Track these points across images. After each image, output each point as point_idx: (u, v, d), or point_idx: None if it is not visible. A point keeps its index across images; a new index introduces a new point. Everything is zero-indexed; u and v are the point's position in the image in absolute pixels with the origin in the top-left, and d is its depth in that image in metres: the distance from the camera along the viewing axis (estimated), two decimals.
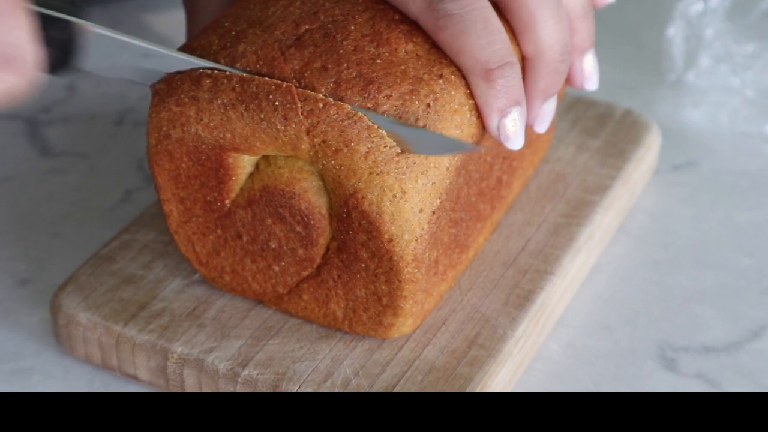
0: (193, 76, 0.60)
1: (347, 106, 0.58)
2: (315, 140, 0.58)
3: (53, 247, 0.74)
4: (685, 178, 0.80)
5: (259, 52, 0.59)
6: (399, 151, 0.58)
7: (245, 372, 0.62)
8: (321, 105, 0.58)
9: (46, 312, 0.69)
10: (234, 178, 0.62)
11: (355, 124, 0.58)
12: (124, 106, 0.86)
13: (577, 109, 0.79)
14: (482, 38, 0.59)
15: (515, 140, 0.60)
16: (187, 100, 0.60)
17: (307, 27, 0.60)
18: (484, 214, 0.67)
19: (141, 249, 0.68)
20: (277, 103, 0.58)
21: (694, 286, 0.72)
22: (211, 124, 0.60)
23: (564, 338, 0.68)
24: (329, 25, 0.60)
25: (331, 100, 0.58)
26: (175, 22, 0.95)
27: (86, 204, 0.77)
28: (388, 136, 0.58)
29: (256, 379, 0.61)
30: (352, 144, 0.58)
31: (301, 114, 0.58)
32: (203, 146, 0.61)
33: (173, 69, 0.62)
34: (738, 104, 0.84)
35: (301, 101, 0.58)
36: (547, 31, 0.60)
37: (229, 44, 0.60)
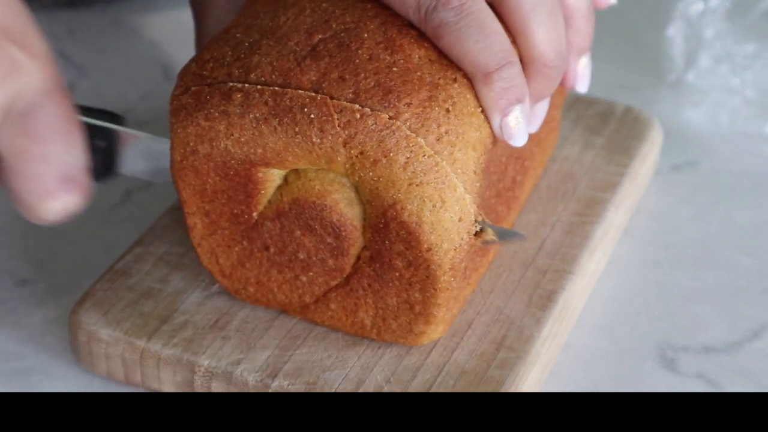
0: (223, 90, 0.59)
1: (385, 116, 0.57)
2: (352, 152, 0.58)
3: (53, 247, 0.74)
4: (685, 178, 0.80)
5: (274, 63, 0.59)
6: (438, 160, 0.58)
7: (275, 383, 0.62)
8: (358, 116, 0.57)
9: (46, 312, 0.69)
10: (262, 191, 0.61)
11: (393, 133, 0.57)
12: (124, 106, 0.86)
13: (578, 107, 0.79)
14: (479, 43, 0.59)
15: (518, 137, 0.60)
16: (217, 114, 0.59)
17: (320, 36, 0.60)
18: (501, 215, 0.67)
19: (156, 262, 0.68)
20: (312, 116, 0.58)
21: (694, 286, 0.72)
22: (242, 139, 0.59)
23: (564, 338, 0.68)
24: (342, 34, 0.60)
25: (368, 110, 0.57)
26: (175, 22, 0.95)
27: (86, 204, 0.77)
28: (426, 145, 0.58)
29: (286, 390, 0.61)
30: (391, 154, 0.57)
31: (338, 126, 0.57)
32: (232, 161, 0.60)
33: None
34: (738, 104, 0.84)
35: (337, 113, 0.58)
36: (539, 37, 0.60)
37: (242, 55, 0.60)
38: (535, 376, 0.63)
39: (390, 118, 0.58)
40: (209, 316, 0.65)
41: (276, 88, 0.58)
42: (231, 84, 0.59)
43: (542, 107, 0.63)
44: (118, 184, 0.79)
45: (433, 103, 0.58)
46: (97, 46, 0.93)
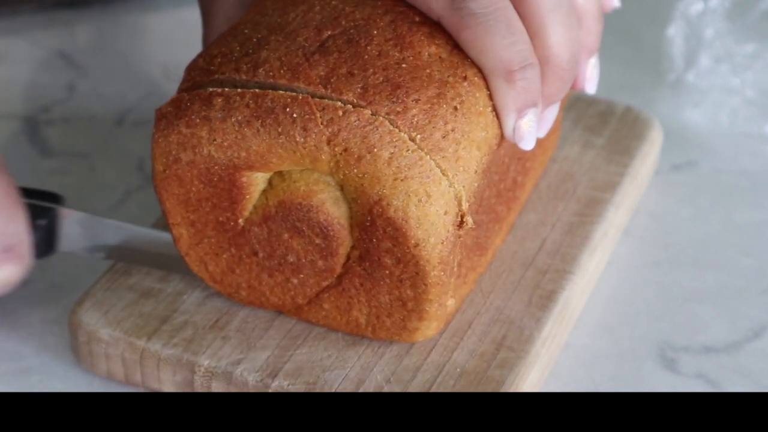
0: (203, 96, 0.59)
1: (367, 111, 0.57)
2: (336, 149, 0.57)
3: None
4: (685, 178, 0.80)
5: (282, 58, 0.59)
6: (422, 154, 0.58)
7: (275, 383, 0.61)
8: (341, 113, 0.57)
9: (46, 312, 0.69)
10: (248, 196, 0.61)
11: (377, 129, 0.57)
12: (124, 106, 0.86)
13: (578, 107, 0.79)
14: (506, 38, 0.59)
15: (528, 141, 0.60)
16: (198, 120, 0.59)
17: (329, 33, 0.60)
18: (501, 215, 0.67)
19: None
20: (295, 115, 0.58)
21: (694, 286, 0.72)
22: (225, 144, 0.59)
23: (564, 338, 0.68)
24: (352, 31, 0.60)
25: (350, 106, 0.57)
26: (175, 22, 0.95)
27: (86, 204, 0.77)
28: (410, 140, 0.58)
29: (286, 390, 0.61)
30: (375, 150, 0.57)
31: (321, 124, 0.57)
32: (216, 167, 0.60)
33: (153, 246, 0.66)
34: (738, 104, 0.84)
35: (319, 111, 0.57)
36: (556, 38, 0.60)
37: (251, 51, 0.60)
38: (535, 376, 0.63)
39: (372, 113, 0.58)
40: (209, 316, 0.65)
41: (256, 90, 0.58)
42: (211, 89, 0.59)
43: (552, 111, 0.63)
44: (117, 184, 0.79)
45: (441, 101, 0.58)
46: (97, 46, 0.93)
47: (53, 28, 0.94)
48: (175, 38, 0.93)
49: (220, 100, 0.59)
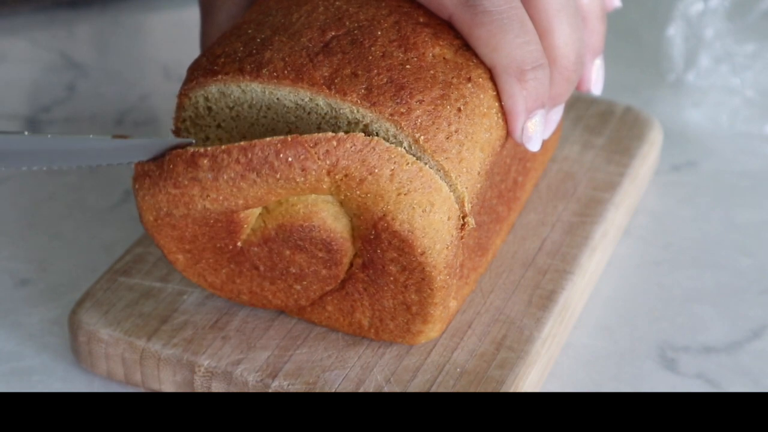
0: (185, 158, 0.57)
1: (360, 135, 0.57)
2: (337, 177, 0.57)
3: (53, 247, 0.74)
4: (685, 178, 0.80)
5: (286, 59, 0.59)
6: (421, 165, 0.57)
7: (275, 383, 0.61)
8: (335, 143, 0.56)
9: (47, 312, 0.69)
10: (245, 226, 0.61)
11: (374, 149, 0.57)
12: (124, 106, 0.86)
13: (578, 107, 0.79)
14: (519, 37, 0.59)
15: (536, 142, 0.60)
16: (186, 182, 0.57)
17: (333, 33, 0.60)
18: (502, 215, 0.67)
19: (156, 262, 0.68)
20: (290, 159, 0.56)
21: (694, 286, 0.72)
22: (220, 198, 0.57)
23: (564, 338, 0.68)
24: (356, 31, 0.60)
25: (343, 133, 0.57)
26: (175, 22, 0.95)
27: (86, 204, 0.77)
28: (407, 153, 0.58)
29: (286, 390, 0.61)
30: (376, 170, 0.57)
31: (318, 159, 0.56)
32: (212, 214, 0.59)
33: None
34: (738, 104, 0.84)
35: (312, 147, 0.56)
36: (563, 39, 0.60)
37: (254, 51, 0.59)
38: (535, 376, 0.63)
39: (366, 134, 0.57)
40: (209, 316, 0.65)
41: (242, 143, 0.56)
42: (192, 149, 0.57)
43: (557, 113, 0.63)
44: (118, 184, 0.79)
45: (445, 102, 0.58)
46: (97, 46, 0.93)
47: (53, 28, 0.94)
48: (175, 38, 0.93)
49: (205, 160, 0.57)
